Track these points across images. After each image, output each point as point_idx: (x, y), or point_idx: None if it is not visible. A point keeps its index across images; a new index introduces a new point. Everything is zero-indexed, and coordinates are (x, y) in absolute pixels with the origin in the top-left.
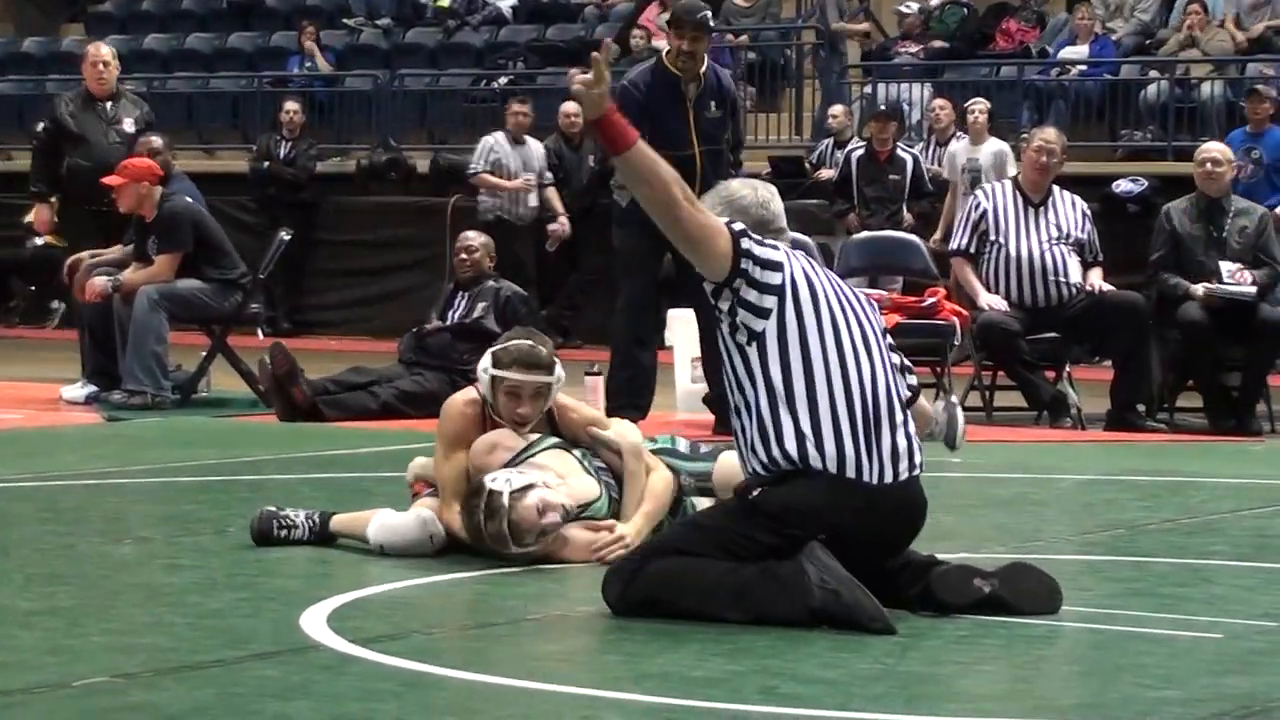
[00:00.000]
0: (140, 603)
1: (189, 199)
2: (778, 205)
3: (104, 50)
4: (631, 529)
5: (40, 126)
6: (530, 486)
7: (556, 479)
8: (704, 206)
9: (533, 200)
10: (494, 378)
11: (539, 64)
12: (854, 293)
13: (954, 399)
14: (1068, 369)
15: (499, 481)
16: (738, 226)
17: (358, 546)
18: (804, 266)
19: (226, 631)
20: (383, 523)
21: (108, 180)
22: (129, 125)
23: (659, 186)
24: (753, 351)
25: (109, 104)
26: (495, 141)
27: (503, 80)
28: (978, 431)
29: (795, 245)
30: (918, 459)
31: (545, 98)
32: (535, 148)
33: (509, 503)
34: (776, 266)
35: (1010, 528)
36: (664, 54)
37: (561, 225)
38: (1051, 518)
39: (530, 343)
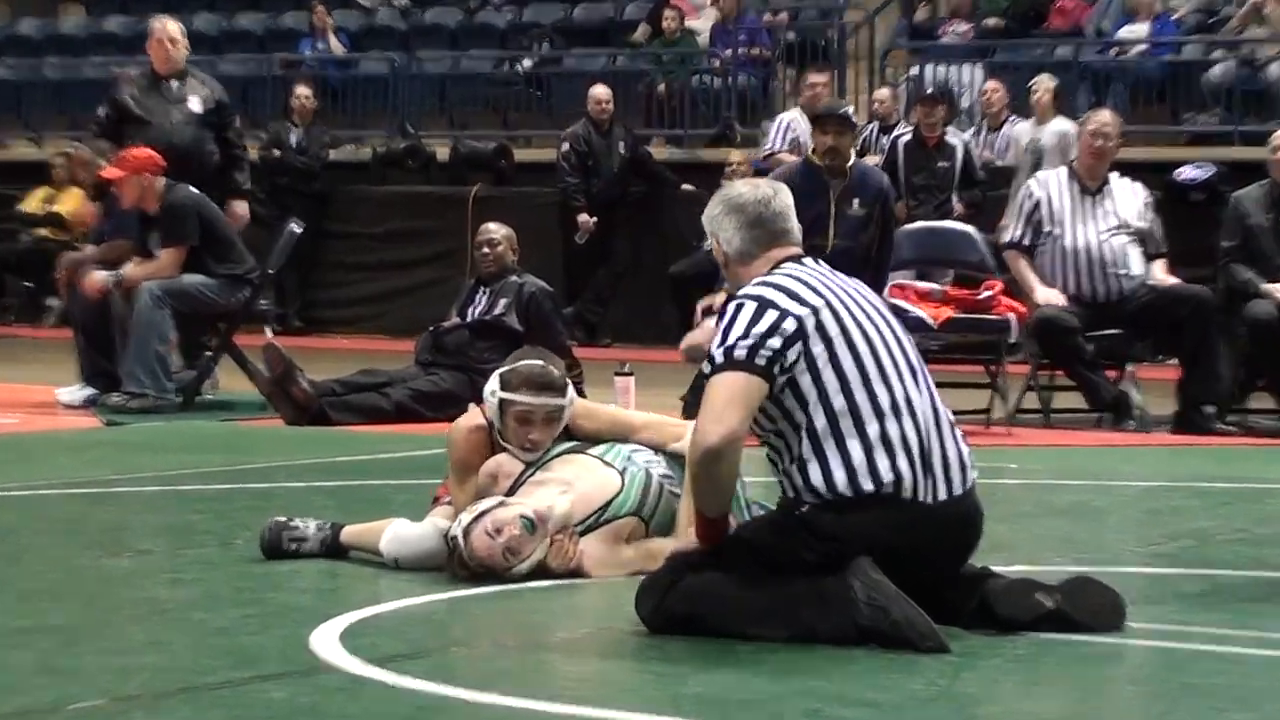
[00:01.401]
0: (140, 620)
1: (194, 189)
2: (781, 204)
3: (171, 26)
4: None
5: (101, 111)
6: (483, 513)
7: (560, 489)
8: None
9: None
10: (502, 401)
11: (565, 45)
12: (879, 302)
13: None
14: (1131, 367)
15: (456, 523)
16: (741, 355)
17: (371, 559)
18: (822, 292)
19: (232, 651)
20: (396, 534)
21: (106, 173)
22: (196, 105)
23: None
24: (786, 396)
25: (175, 83)
26: (793, 118)
27: (527, 63)
28: (1035, 435)
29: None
30: (971, 469)
31: (571, 82)
32: None
33: (462, 542)
34: (782, 328)
35: (1070, 538)
36: (811, 150)
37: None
38: (1114, 527)
39: (540, 363)
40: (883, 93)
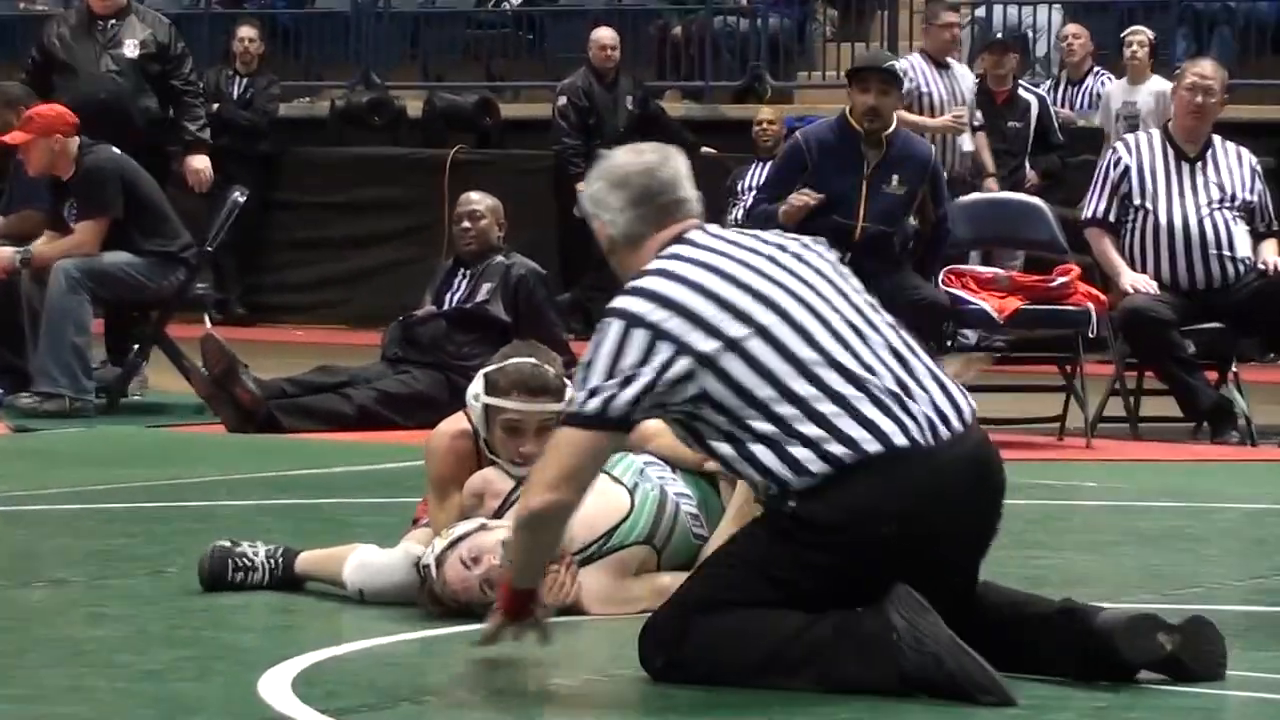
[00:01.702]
0: (56, 662)
1: (116, 150)
2: (672, 171)
3: None
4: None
5: (32, 58)
6: (460, 539)
7: None
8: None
9: (966, 144)
10: (488, 407)
11: None
12: (807, 250)
13: None
14: (1234, 368)
15: (429, 549)
16: (594, 409)
17: (331, 591)
18: (719, 274)
19: (166, 699)
20: (362, 561)
21: (11, 137)
22: (130, 49)
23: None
24: (704, 411)
25: (112, 23)
26: (911, 64)
27: (515, 0)
28: (1120, 449)
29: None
30: (965, 405)
31: (567, 22)
32: (963, 73)
33: (434, 572)
34: (655, 359)
35: (1161, 570)
36: (848, 109)
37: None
38: (1213, 558)
39: (533, 361)
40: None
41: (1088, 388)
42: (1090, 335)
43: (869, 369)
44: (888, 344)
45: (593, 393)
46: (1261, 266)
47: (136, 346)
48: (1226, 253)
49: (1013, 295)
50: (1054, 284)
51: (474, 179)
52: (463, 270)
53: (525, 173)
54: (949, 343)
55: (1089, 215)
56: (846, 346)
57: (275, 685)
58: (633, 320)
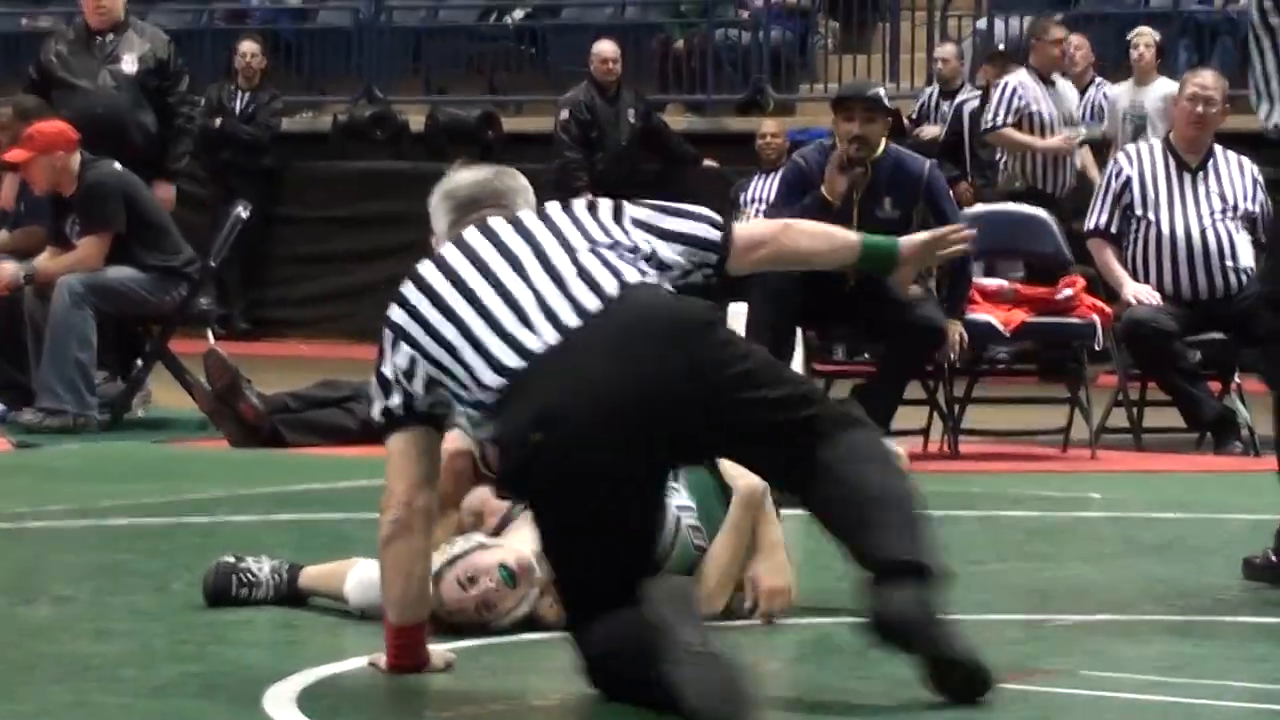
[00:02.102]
0: (60, 678)
1: (117, 166)
2: (504, 185)
3: None
4: None
5: (30, 75)
6: (458, 557)
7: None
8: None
9: (1078, 162)
10: None
11: None
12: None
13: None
14: (1237, 379)
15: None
16: (394, 407)
17: (334, 607)
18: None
19: (171, 715)
20: (363, 578)
21: (12, 156)
22: (129, 64)
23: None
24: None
25: (110, 38)
26: (1020, 82)
27: (517, 13)
28: (1124, 460)
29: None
30: (611, 282)
31: (569, 36)
32: (1068, 90)
33: (431, 590)
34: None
35: (1166, 582)
36: (831, 140)
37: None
38: (1217, 569)
39: None
40: (945, 50)
41: (1092, 399)
42: (1095, 348)
43: (501, 277)
44: (548, 241)
45: (387, 396)
46: None
47: (139, 363)
48: (1229, 263)
49: (1018, 308)
50: (1059, 296)
51: None
52: None
53: None
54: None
55: (1091, 226)
56: (508, 265)
57: (280, 701)
58: (388, 323)
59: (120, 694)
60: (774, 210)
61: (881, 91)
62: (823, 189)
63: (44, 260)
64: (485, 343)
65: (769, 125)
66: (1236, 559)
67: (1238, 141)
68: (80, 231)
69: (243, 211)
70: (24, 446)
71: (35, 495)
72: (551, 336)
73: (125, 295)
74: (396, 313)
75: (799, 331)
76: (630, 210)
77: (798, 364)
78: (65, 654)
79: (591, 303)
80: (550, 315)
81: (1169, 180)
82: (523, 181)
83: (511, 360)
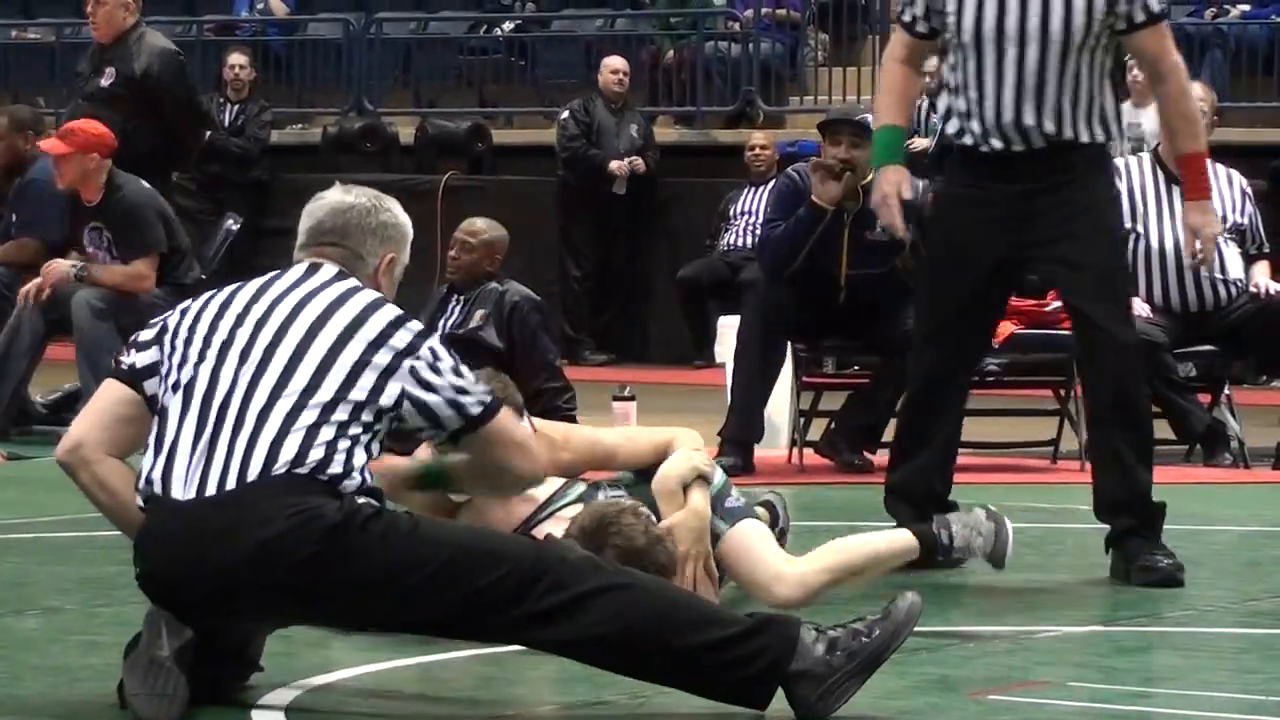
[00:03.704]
0: (50, 690)
1: (145, 184)
2: (361, 222)
3: None
4: None
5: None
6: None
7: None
8: None
9: None
10: None
11: (554, 6)
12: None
13: (995, 510)
14: (1227, 391)
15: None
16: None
17: None
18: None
19: None
20: None
21: (48, 145)
22: (106, 78)
23: None
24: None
25: (113, 50)
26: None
27: (507, 26)
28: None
29: None
30: (254, 469)
31: (559, 49)
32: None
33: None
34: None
35: (1154, 593)
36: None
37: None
38: (1206, 580)
39: (499, 385)
40: (935, 63)
41: (1081, 411)
42: None
43: (209, 392)
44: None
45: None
46: (1254, 289)
47: None
48: (1218, 275)
49: (1008, 320)
50: (1048, 308)
51: (467, 205)
52: (456, 296)
53: (518, 199)
54: None
55: None
56: (230, 360)
57: (270, 714)
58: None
59: (109, 708)
60: (768, 223)
61: (869, 117)
62: (813, 197)
63: (98, 268)
64: (169, 447)
65: (759, 137)
66: (1226, 570)
67: (1228, 154)
68: (123, 252)
69: (232, 224)
70: (14, 458)
71: (25, 507)
72: (178, 494)
73: (145, 310)
74: (174, 317)
75: (789, 345)
76: (423, 356)
77: (786, 377)
78: (55, 665)
79: (212, 485)
80: (200, 475)
81: (1158, 193)
82: (393, 221)
83: (154, 483)
